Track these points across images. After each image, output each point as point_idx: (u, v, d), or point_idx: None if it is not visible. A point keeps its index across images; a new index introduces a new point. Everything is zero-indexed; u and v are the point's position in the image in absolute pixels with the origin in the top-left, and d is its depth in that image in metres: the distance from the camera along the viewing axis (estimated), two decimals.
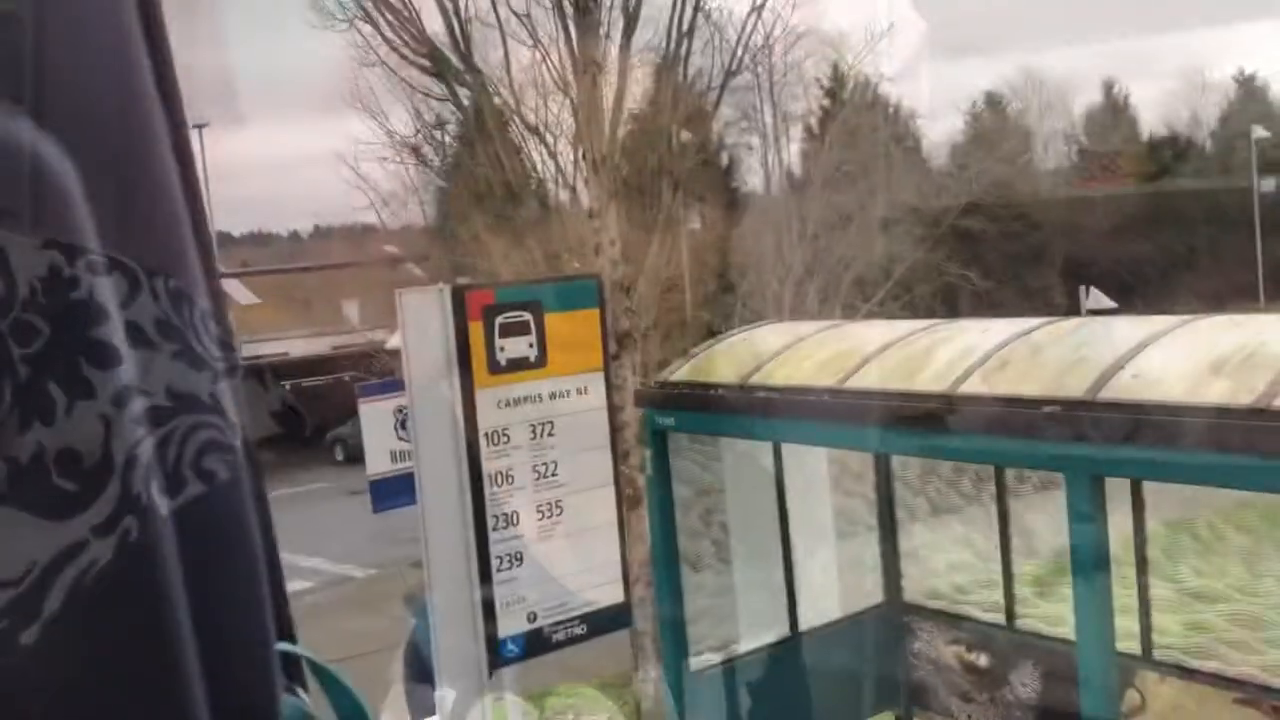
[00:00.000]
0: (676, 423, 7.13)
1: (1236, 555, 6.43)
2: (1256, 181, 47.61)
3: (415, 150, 15.52)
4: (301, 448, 34.65)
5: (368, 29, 11.05)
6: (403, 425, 8.56)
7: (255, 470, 0.91)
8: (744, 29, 11.52)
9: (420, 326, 4.31)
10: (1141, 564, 6.75)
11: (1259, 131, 47.72)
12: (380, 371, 18.65)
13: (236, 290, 37.27)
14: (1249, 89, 52.57)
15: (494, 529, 4.48)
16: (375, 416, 9.64)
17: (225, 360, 0.84)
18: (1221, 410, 4.43)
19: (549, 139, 11.74)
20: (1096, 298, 32.19)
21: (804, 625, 7.92)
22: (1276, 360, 4.49)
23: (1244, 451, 4.31)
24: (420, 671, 5.49)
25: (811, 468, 8.15)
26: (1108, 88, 48.96)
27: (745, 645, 7.75)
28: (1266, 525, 6.31)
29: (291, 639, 0.86)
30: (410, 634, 6.63)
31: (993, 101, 45.04)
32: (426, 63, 10.91)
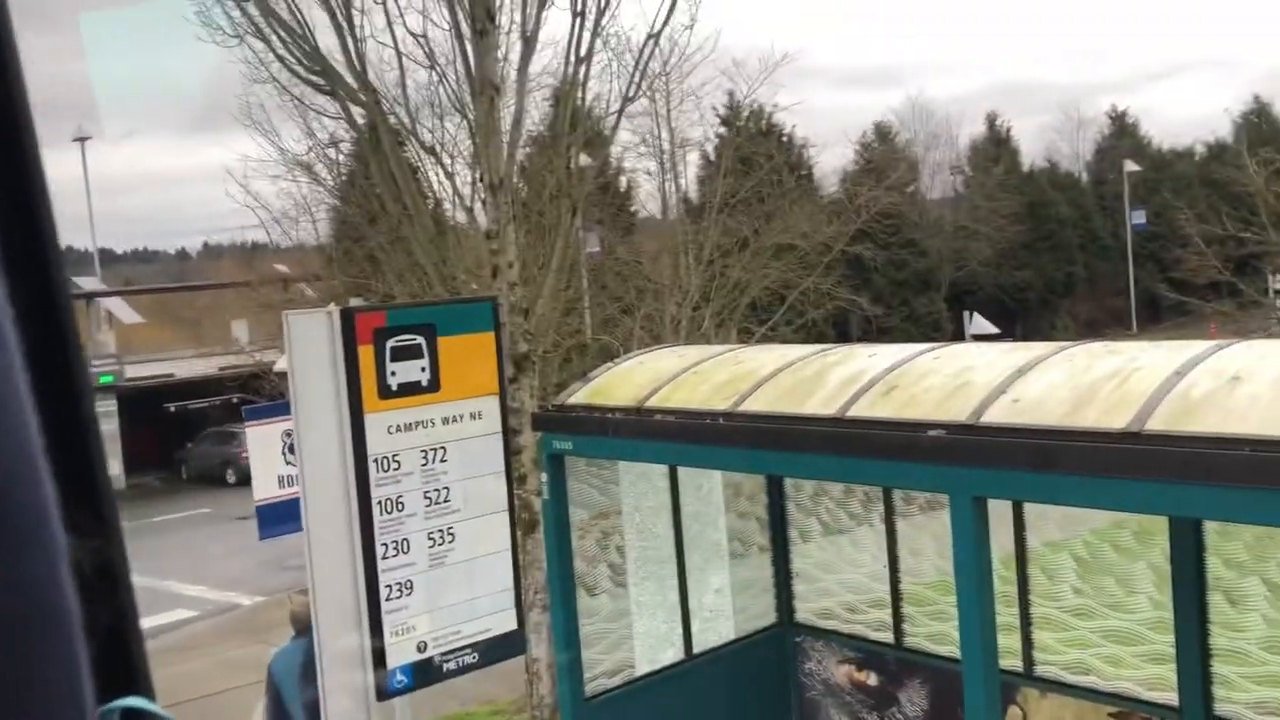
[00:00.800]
0: (573, 446, 7.10)
1: (1112, 574, 6.66)
2: (1129, 213, 49.89)
3: (308, 168, 15.23)
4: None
5: (259, 45, 10.83)
6: (291, 450, 8.37)
7: None
8: (641, 55, 11.62)
9: (308, 349, 4.22)
10: (1023, 583, 6.96)
11: (1130, 165, 50.06)
12: (270, 394, 18.20)
13: (120, 309, 36.01)
14: (1121, 125, 55.16)
15: (383, 557, 4.41)
16: (262, 441, 9.40)
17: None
18: (1096, 434, 4.61)
19: (446, 160, 11.64)
20: (980, 323, 33.29)
21: (698, 647, 7.95)
22: (1148, 386, 4.69)
23: (1118, 474, 4.49)
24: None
25: (707, 490, 8.21)
26: (991, 121, 50.81)
27: (641, 669, 7.74)
28: (1140, 545, 6.57)
29: (139, 690, 0.78)
30: (269, 678, 6.43)
31: (881, 132, 46.33)
32: (319, 80, 10.73)
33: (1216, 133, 53.84)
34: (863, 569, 8.01)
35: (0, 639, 0.48)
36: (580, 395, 7.30)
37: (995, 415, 4.98)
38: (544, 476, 7.25)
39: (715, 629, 8.15)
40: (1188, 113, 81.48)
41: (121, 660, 0.78)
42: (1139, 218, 49.30)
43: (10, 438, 0.51)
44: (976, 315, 34.31)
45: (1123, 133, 54.73)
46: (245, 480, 32.69)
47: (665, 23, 11.52)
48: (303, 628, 7.20)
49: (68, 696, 0.53)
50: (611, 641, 7.65)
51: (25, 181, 0.71)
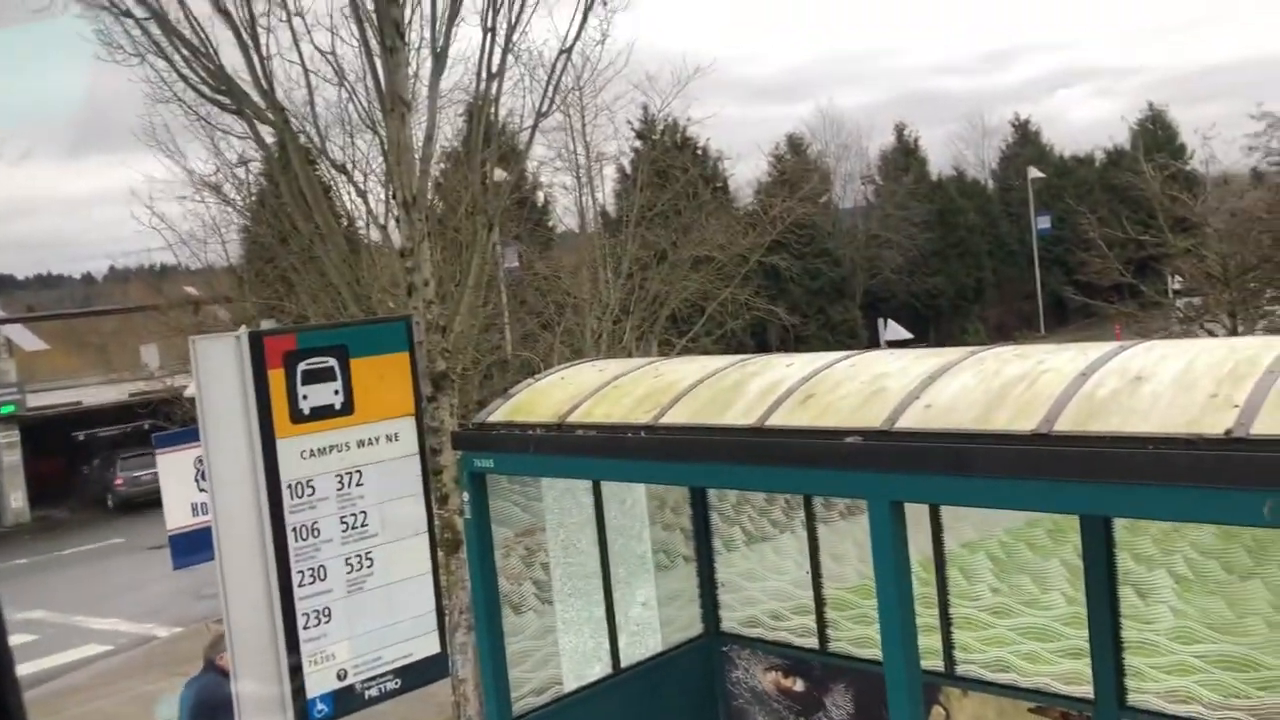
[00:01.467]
0: (495, 464, 7.04)
1: (1027, 572, 6.82)
2: (1034, 218, 51.31)
3: (216, 189, 14.93)
4: (96, 501, 32.57)
5: (161, 64, 10.57)
6: (203, 476, 8.16)
7: None
8: (554, 70, 11.61)
9: (216, 375, 4.12)
10: (942, 584, 7.08)
11: (1034, 172, 51.51)
12: (182, 420, 17.75)
13: (21, 336, 34.81)
14: (1024, 133, 56.75)
15: (300, 585, 4.31)
16: (174, 468, 9.15)
17: None
18: (1007, 436, 4.71)
19: (358, 178, 11.50)
20: (894, 329, 33.91)
21: (625, 661, 7.94)
22: (1056, 388, 4.81)
23: (1029, 475, 4.59)
24: None
25: (631, 504, 8.21)
26: (899, 130, 51.89)
27: (568, 685, 7.70)
28: (1052, 542, 6.73)
29: None
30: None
31: (793, 143, 47.01)
32: (225, 99, 10.51)
33: (1115, 139, 55.74)
34: (786, 576, 8.08)
35: None
36: (501, 413, 7.25)
37: (909, 421, 5.07)
38: (465, 496, 7.18)
39: (642, 642, 8.15)
40: (1087, 120, 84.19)
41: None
42: (1044, 223, 50.76)
43: None
44: (890, 322, 34.97)
45: (1026, 140, 56.33)
46: (123, 506, 32.24)
47: (577, 38, 11.54)
48: (211, 663, 7.02)
49: None
50: (538, 659, 7.59)
51: None
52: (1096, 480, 4.38)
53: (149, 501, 31.41)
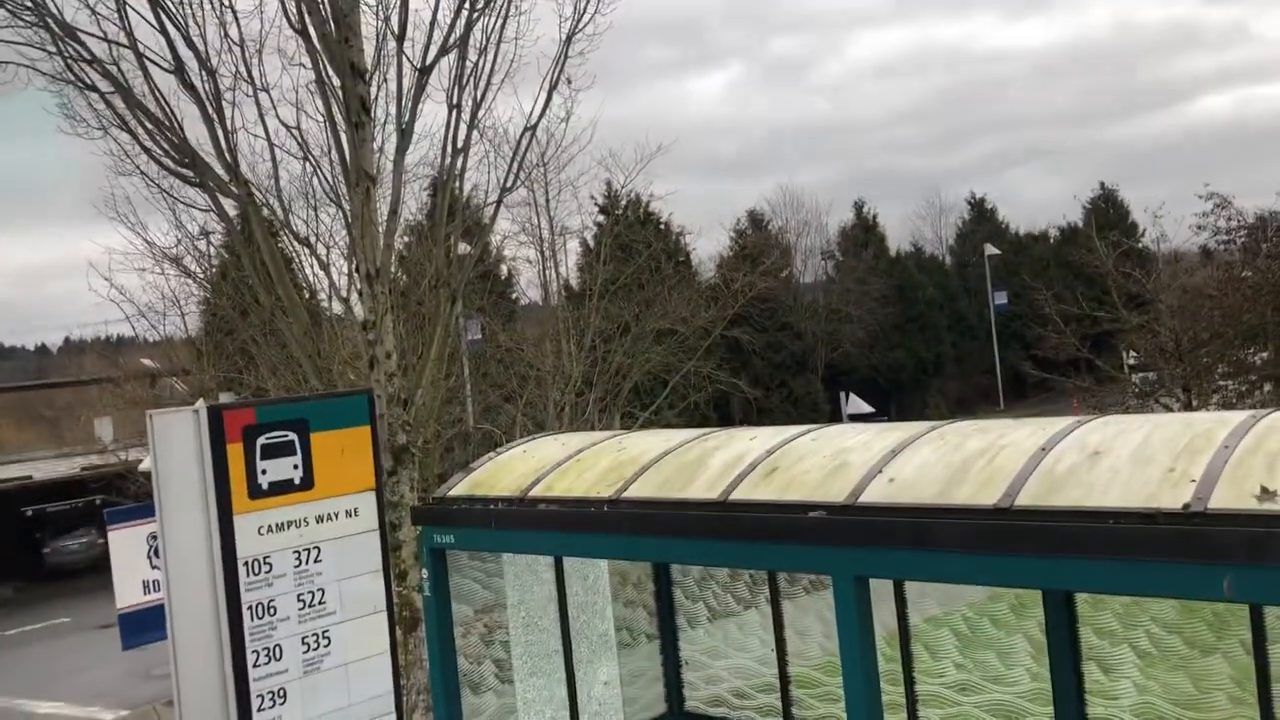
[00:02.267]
0: (455, 540, 6.95)
1: (992, 648, 6.79)
2: (991, 294, 52.14)
3: (176, 261, 14.86)
4: (42, 581, 31.72)
5: (125, 137, 10.58)
6: (156, 553, 7.98)
7: None
8: (519, 147, 11.75)
9: (173, 449, 4.05)
10: (906, 660, 7.03)
11: (990, 249, 52.48)
12: (136, 494, 17.42)
13: None
14: (980, 210, 57.93)
15: (254, 665, 4.20)
16: (126, 545, 8.95)
17: None
18: (969, 510, 4.73)
19: (321, 250, 11.50)
20: (856, 403, 34.11)
21: None
22: (1016, 462, 4.85)
23: (991, 549, 4.60)
24: None
25: (593, 580, 8.11)
26: (858, 207, 52.80)
27: None
28: (1016, 617, 6.72)
29: None
30: None
31: (755, 219, 47.67)
32: (188, 172, 10.52)
33: (1068, 217, 57.01)
34: (751, 653, 7.99)
35: None
36: (462, 487, 7.17)
37: (873, 495, 5.08)
38: (425, 572, 7.06)
39: None
40: (1040, 198, 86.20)
41: None
42: (1001, 298, 51.57)
43: None
44: (852, 395, 35.19)
45: (982, 218, 57.46)
46: (52, 574, 31.96)
47: (541, 115, 11.71)
48: None
49: None
50: None
51: None
52: (1057, 555, 4.40)
53: (75, 570, 30.89)
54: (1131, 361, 24.45)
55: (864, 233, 51.77)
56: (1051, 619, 6.32)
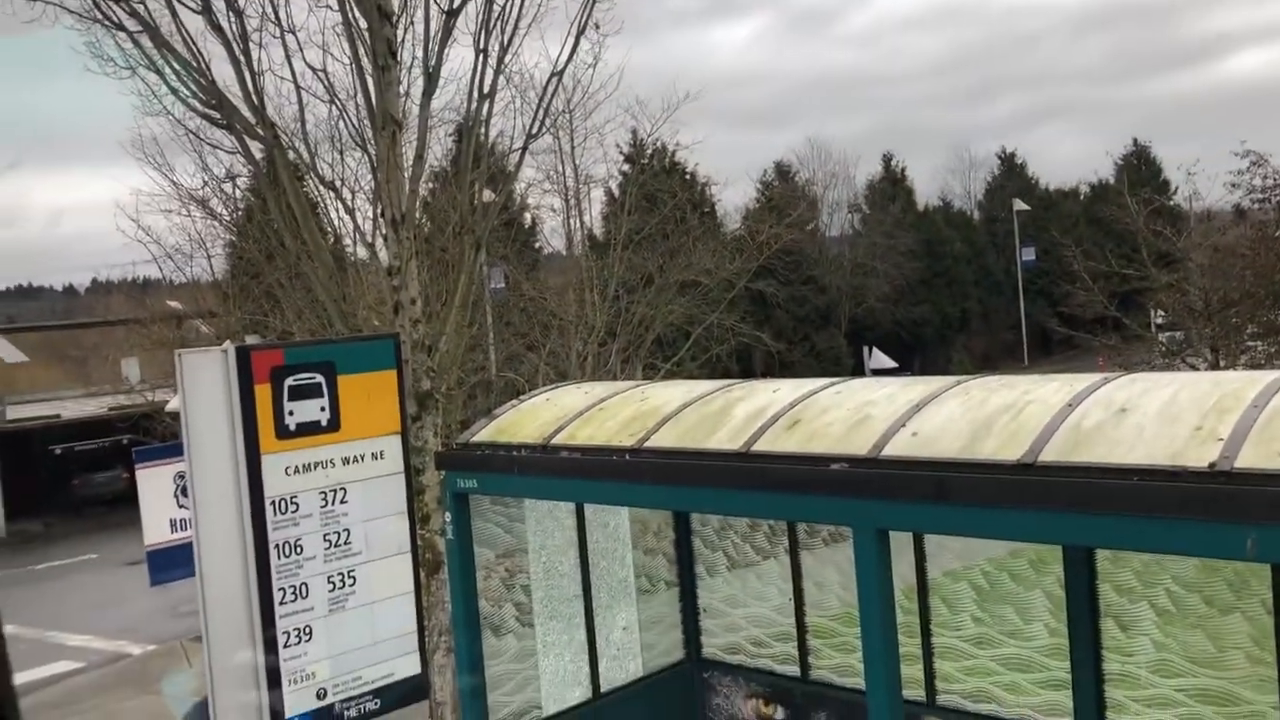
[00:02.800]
0: (478, 485, 7.01)
1: (1010, 602, 6.81)
2: (1019, 250, 51.66)
3: (203, 203, 14.90)
4: (71, 517, 32.29)
5: (152, 78, 10.56)
6: (183, 492, 8.09)
7: None
8: (545, 93, 11.66)
9: (201, 389, 4.09)
10: (924, 613, 7.07)
11: (1019, 204, 51.91)
12: (163, 435, 17.63)
13: (1, 347, 34.55)
14: (1010, 165, 57.23)
15: (281, 602, 4.27)
16: (153, 483, 9.07)
17: None
18: (993, 466, 4.72)
19: (346, 195, 11.50)
20: (879, 358, 34.00)
21: (606, 685, 7.88)
22: (1041, 418, 4.83)
23: (1013, 504, 4.60)
24: None
25: (614, 527, 8.17)
26: (887, 160, 52.25)
27: (548, 709, 7.64)
28: (1035, 573, 6.73)
29: None
30: None
31: (782, 170, 47.26)
32: (215, 114, 10.50)
33: (1099, 173, 56.23)
34: (769, 603, 8.05)
35: None
36: (485, 433, 7.22)
37: (895, 448, 5.07)
38: (448, 516, 7.13)
39: (623, 667, 8.10)
40: (1071, 154, 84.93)
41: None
42: (1029, 255, 51.09)
43: None
44: (876, 350, 35.06)
45: (1011, 173, 56.77)
46: (80, 505, 33.00)
47: (569, 61, 11.60)
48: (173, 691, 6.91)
49: None
50: (518, 682, 7.53)
51: None
52: (1080, 511, 4.39)
53: (101, 499, 31.47)
54: (1159, 320, 24.21)
55: (892, 186, 51.28)
56: (1071, 575, 6.33)
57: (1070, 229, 43.08)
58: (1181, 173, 32.42)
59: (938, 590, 7.10)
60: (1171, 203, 33.51)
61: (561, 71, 11.61)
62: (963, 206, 57.09)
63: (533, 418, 7.14)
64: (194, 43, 10.25)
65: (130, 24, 10.15)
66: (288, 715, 4.24)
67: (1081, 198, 55.86)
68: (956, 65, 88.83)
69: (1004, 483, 4.61)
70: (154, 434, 18.60)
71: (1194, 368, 19.11)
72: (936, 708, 6.97)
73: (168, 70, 10.27)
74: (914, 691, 6.81)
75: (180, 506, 8.46)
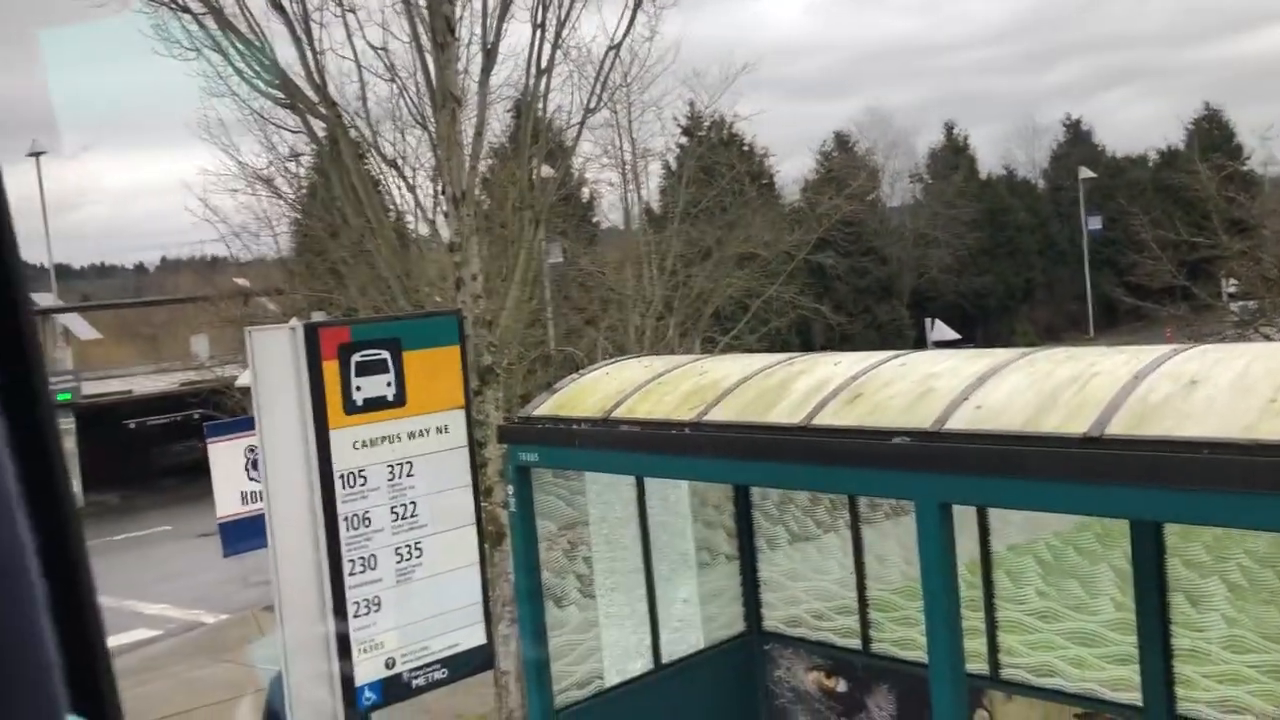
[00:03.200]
0: (540, 458, 7.09)
1: (1075, 576, 6.74)
2: (1085, 219, 50.58)
3: (268, 182, 15.12)
4: (145, 490, 33.18)
5: (217, 58, 10.73)
6: (254, 466, 8.29)
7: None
8: (602, 67, 11.65)
9: (271, 365, 4.18)
10: (988, 587, 7.02)
11: (1085, 172, 50.78)
12: (231, 410, 18.00)
13: (77, 325, 35.49)
14: (1075, 132, 55.96)
15: (350, 573, 4.37)
16: (225, 457, 9.29)
17: None
18: (1058, 439, 4.67)
19: (408, 172, 11.60)
20: (941, 330, 33.58)
21: (667, 657, 7.95)
22: (1108, 391, 4.76)
23: (1079, 478, 4.54)
24: None
25: (674, 500, 8.22)
26: (949, 129, 51.37)
27: (610, 680, 7.73)
28: (1102, 546, 6.64)
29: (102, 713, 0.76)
30: (267, 692, 6.38)
31: (841, 140, 46.69)
32: (279, 94, 10.65)
33: (1168, 139, 54.75)
34: (830, 576, 8.05)
35: None
36: (546, 407, 7.29)
37: (959, 422, 5.03)
38: (510, 489, 7.23)
39: (684, 639, 8.16)
40: (1138, 120, 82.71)
41: (90, 689, 0.76)
42: (1095, 224, 50.02)
43: None
44: (938, 322, 34.61)
45: (1077, 140, 55.52)
46: (161, 473, 33.91)
47: (626, 34, 11.57)
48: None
49: None
50: (581, 653, 7.63)
51: None
52: (1148, 485, 4.33)
53: (174, 473, 32.30)
54: (1231, 289, 23.59)
55: (954, 155, 50.42)
56: (1139, 549, 6.25)
57: (1138, 197, 42.04)
58: (1256, 137, 31.48)
59: (1001, 564, 7.04)
60: (1245, 168, 32.52)
61: (619, 45, 11.60)
62: (1026, 175, 55.97)
63: (592, 392, 7.19)
64: (257, 23, 10.39)
65: (195, 5, 10.31)
66: (358, 684, 4.35)
67: (1150, 164, 54.48)
68: (1019, 30, 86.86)
69: (1070, 456, 4.56)
70: (224, 409, 19.00)
71: (1268, 338, 18.61)
72: (1000, 681, 6.93)
73: (232, 51, 10.42)
74: (977, 665, 6.78)
75: (251, 479, 8.66)
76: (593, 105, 11.83)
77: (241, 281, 25.07)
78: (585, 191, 26.71)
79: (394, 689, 4.47)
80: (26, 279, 0.74)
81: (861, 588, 7.78)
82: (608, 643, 7.78)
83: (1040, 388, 5.01)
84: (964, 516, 6.52)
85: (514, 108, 14.77)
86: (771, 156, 36.71)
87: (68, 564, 0.72)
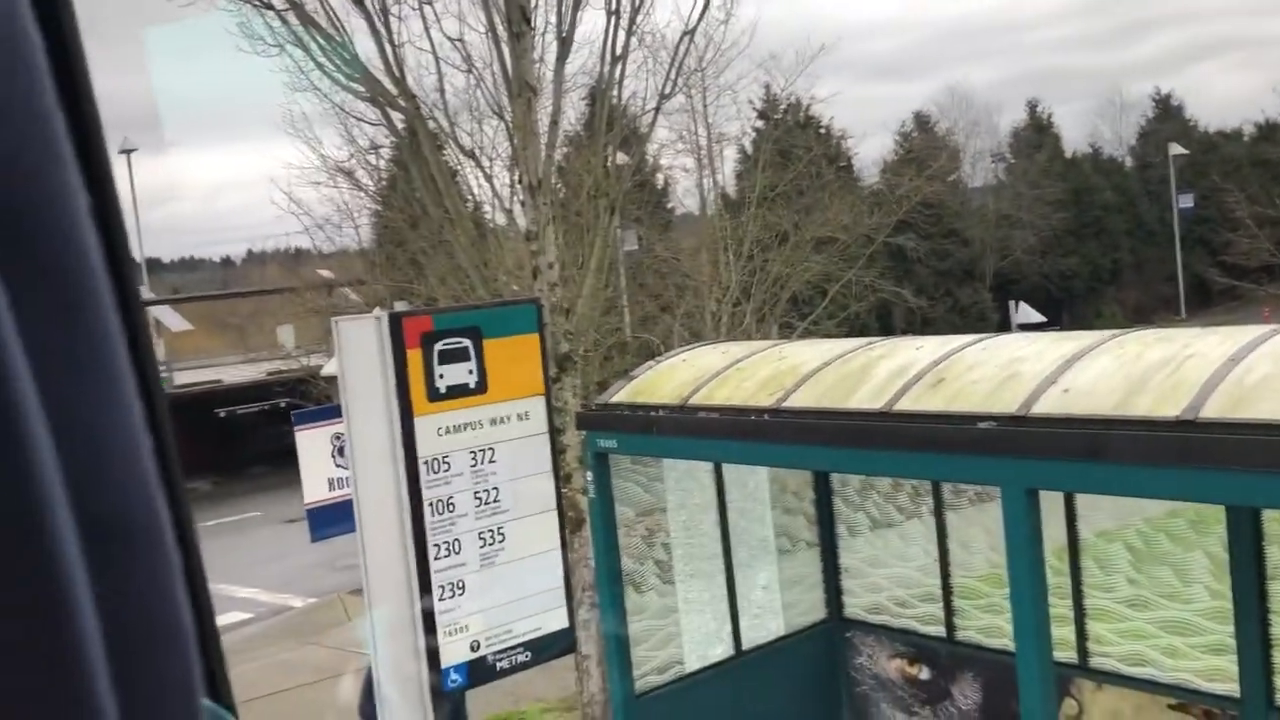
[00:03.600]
0: (618, 444, 7.12)
1: (1167, 563, 6.57)
2: (1175, 197, 49.05)
3: (349, 174, 15.38)
4: (236, 477, 34.11)
5: (299, 54, 10.94)
6: (340, 452, 8.46)
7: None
8: (677, 52, 11.61)
9: (357, 354, 4.27)
10: (1076, 574, 6.87)
11: (1176, 148, 49.20)
12: (317, 398, 18.39)
13: (168, 316, 36.57)
14: (1165, 107, 54.24)
15: (435, 557, 4.44)
16: (312, 444, 9.50)
17: None
18: (1150, 423, 4.54)
19: (485, 162, 11.71)
20: (1026, 312, 32.85)
21: (747, 644, 7.94)
22: (1202, 373, 4.62)
23: (1173, 463, 4.42)
24: (374, 709, 5.40)
25: (753, 487, 8.19)
26: (1031, 107, 50.19)
27: (690, 665, 7.75)
28: (1195, 533, 6.46)
29: (219, 696, 0.78)
30: (367, 671, 6.53)
31: (921, 121, 45.92)
32: (359, 87, 10.83)
33: (1266, 112, 52.75)
34: (912, 563, 7.95)
35: (126, 654, 0.49)
36: (624, 393, 7.32)
37: (1046, 406, 4.93)
38: (589, 475, 7.28)
39: (764, 625, 8.14)
40: (1229, 93, 79.73)
41: (204, 667, 0.78)
42: (1186, 201, 48.47)
43: (125, 454, 0.52)
44: (1022, 304, 33.85)
45: (1167, 115, 53.82)
46: (254, 460, 34.71)
47: (700, 19, 11.51)
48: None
49: (184, 710, 0.54)
50: (660, 638, 7.66)
51: (101, 198, 0.72)
52: (1245, 469, 4.19)
53: (268, 455, 33.09)
54: None
55: (1037, 133, 49.26)
56: (1235, 536, 6.06)
57: (1232, 173, 40.62)
58: None
59: (1090, 551, 6.89)
60: None
61: (693, 30, 11.54)
62: (1113, 153, 54.44)
63: (670, 378, 7.20)
64: (337, 18, 10.57)
65: (278, 2, 10.52)
66: (444, 665, 4.42)
67: (1245, 139, 52.59)
68: (1103, 4, 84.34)
69: (1162, 440, 4.44)
70: (310, 397, 19.42)
71: None
72: (1089, 670, 6.79)
73: (313, 46, 10.62)
74: (1065, 654, 6.64)
75: (338, 466, 8.84)
76: (667, 91, 11.80)
77: (325, 273, 25.55)
78: (660, 178, 26.67)
79: (479, 671, 4.54)
80: (136, 273, 0.77)
81: (945, 574, 7.68)
82: (687, 628, 7.80)
83: (1130, 370, 4.88)
84: (1051, 502, 6.39)
85: (589, 95, 14.81)
86: (849, 138, 36.29)
87: (185, 547, 0.75)
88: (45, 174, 0.49)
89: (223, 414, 35.64)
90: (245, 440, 35.04)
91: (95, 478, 0.48)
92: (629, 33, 10.85)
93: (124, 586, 0.48)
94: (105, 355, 0.52)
